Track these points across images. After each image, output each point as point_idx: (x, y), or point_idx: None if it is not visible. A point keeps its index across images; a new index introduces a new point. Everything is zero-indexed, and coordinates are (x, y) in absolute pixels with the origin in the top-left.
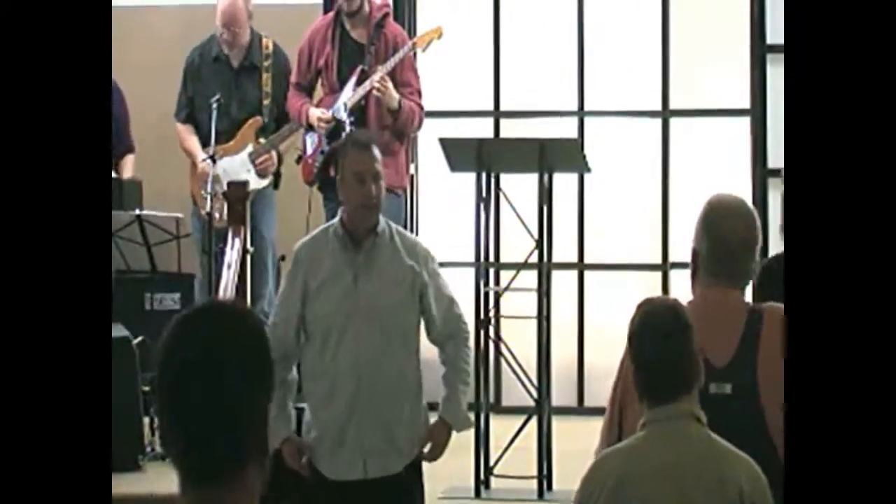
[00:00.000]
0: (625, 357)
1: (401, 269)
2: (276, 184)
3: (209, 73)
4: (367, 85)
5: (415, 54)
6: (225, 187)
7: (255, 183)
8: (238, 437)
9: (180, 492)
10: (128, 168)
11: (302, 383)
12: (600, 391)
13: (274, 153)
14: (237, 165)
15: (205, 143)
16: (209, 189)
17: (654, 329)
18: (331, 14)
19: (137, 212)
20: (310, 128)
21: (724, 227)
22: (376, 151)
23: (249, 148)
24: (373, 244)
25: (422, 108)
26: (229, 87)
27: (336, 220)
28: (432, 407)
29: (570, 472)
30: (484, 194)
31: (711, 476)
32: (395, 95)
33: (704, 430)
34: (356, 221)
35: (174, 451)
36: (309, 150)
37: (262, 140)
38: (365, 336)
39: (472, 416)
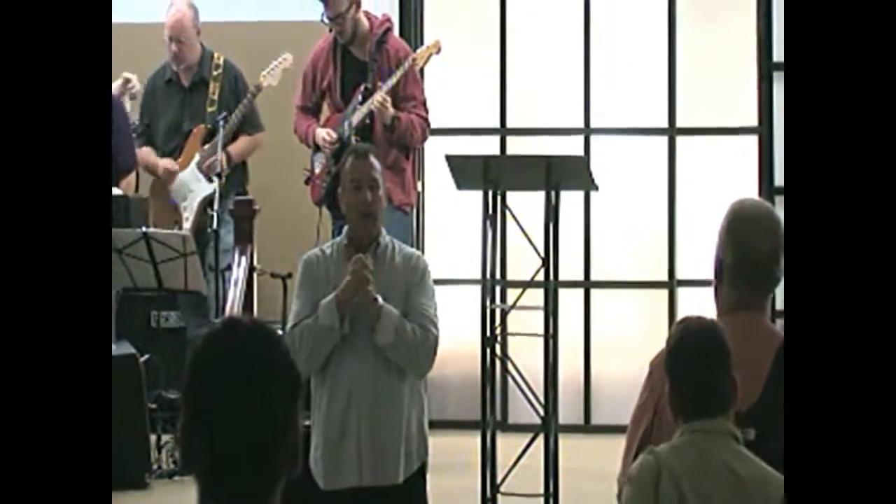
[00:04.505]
0: (652, 377)
1: (397, 280)
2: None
3: (162, 95)
4: (369, 104)
5: (421, 70)
6: (183, 202)
7: (206, 189)
8: (271, 461)
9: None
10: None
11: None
12: (607, 409)
13: (223, 154)
14: (189, 177)
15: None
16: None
17: (693, 347)
18: (332, 34)
19: (144, 229)
20: (317, 148)
21: (751, 240)
22: (374, 160)
23: (197, 157)
24: (374, 255)
25: (426, 119)
26: (182, 106)
27: (342, 234)
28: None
29: (576, 490)
30: (490, 212)
31: (742, 490)
32: (391, 113)
33: (740, 448)
34: (357, 230)
35: (200, 469)
36: (317, 171)
37: (206, 147)
38: (363, 345)
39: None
